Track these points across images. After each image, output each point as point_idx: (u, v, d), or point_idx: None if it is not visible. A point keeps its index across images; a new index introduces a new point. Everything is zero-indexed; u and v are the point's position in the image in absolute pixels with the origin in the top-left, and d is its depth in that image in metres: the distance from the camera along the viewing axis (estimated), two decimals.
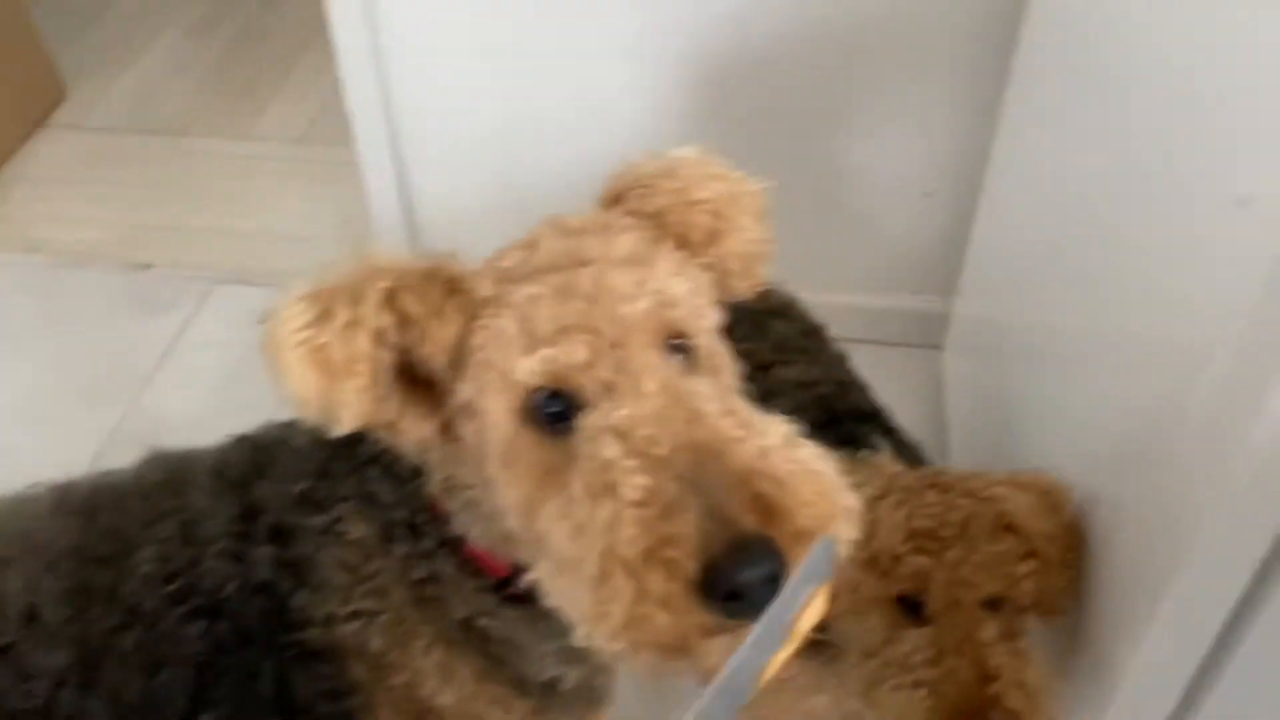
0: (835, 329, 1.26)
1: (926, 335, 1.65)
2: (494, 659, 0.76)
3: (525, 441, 0.61)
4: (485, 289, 0.63)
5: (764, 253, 0.75)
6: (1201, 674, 0.75)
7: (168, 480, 0.79)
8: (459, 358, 0.63)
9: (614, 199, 0.73)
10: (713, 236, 0.71)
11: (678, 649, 0.54)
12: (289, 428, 0.79)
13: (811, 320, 1.22)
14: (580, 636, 0.57)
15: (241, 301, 1.81)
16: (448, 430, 0.66)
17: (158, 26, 2.53)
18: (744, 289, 0.74)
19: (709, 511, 0.53)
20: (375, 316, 0.59)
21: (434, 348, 0.61)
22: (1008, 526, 0.79)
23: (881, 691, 0.78)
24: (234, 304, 1.82)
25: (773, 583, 0.52)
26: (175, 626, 0.72)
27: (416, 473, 0.71)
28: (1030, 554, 0.79)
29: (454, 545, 0.72)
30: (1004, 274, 1.30)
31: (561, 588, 0.59)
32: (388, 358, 0.60)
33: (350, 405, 0.59)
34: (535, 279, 0.62)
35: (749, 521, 0.53)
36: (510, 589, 0.73)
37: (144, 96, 2.33)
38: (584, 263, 0.63)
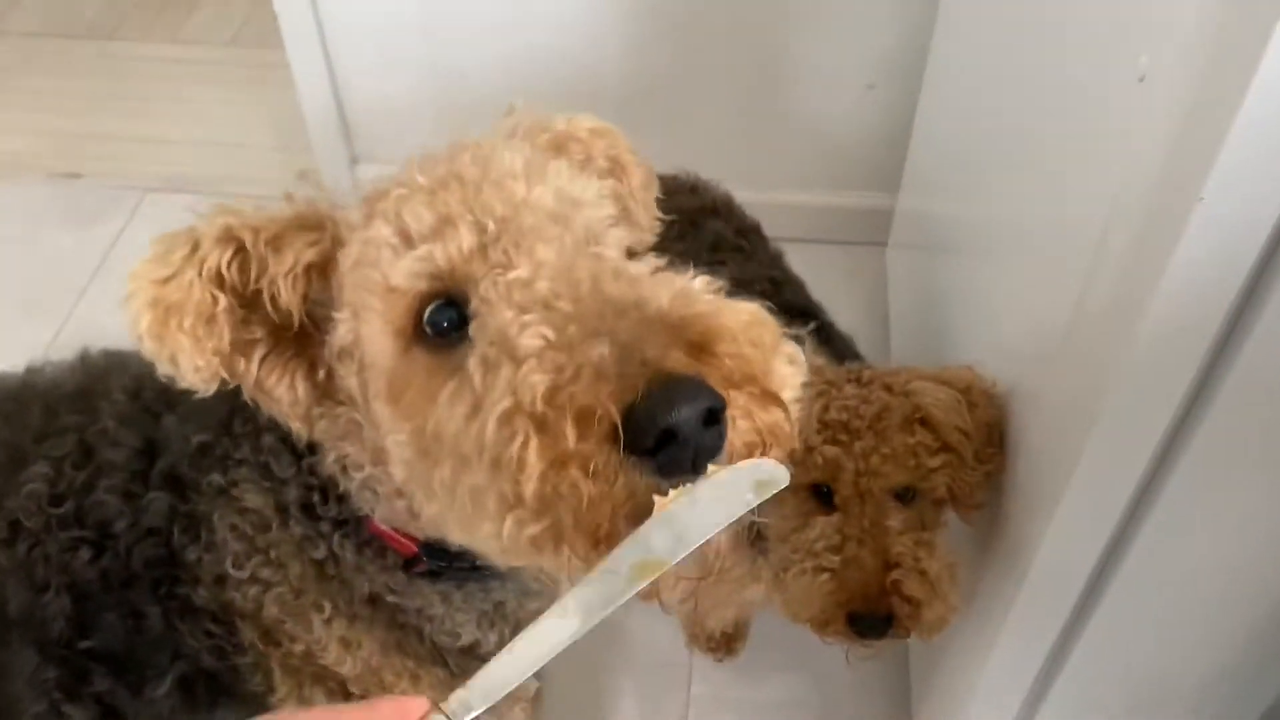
0: (780, 228, 1.25)
1: (871, 233, 1.65)
2: (405, 628, 0.74)
3: (414, 366, 0.54)
4: (354, 216, 0.58)
5: (654, 191, 0.73)
6: (1105, 560, 0.78)
7: (82, 391, 0.75)
8: (326, 293, 0.59)
9: (509, 135, 0.68)
10: (614, 164, 0.69)
11: (605, 534, 0.45)
12: None
13: (747, 218, 1.21)
14: (494, 551, 0.51)
15: (175, 210, 1.71)
16: (327, 393, 0.61)
17: None
18: (646, 225, 0.72)
19: (625, 352, 0.45)
20: (211, 252, 0.55)
21: (279, 279, 0.56)
22: (922, 420, 0.80)
23: (789, 576, 0.80)
24: (167, 213, 1.75)
25: (712, 421, 0.44)
26: (59, 551, 0.70)
27: (312, 448, 0.67)
28: (943, 448, 0.80)
29: (355, 525, 0.69)
30: (942, 168, 1.29)
31: (459, 502, 0.51)
32: (226, 301, 0.55)
33: (187, 353, 0.55)
34: (410, 181, 0.57)
35: (675, 359, 0.45)
36: (419, 567, 0.70)
37: None
38: (469, 162, 0.58)
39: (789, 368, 0.51)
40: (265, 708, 0.75)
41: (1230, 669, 0.90)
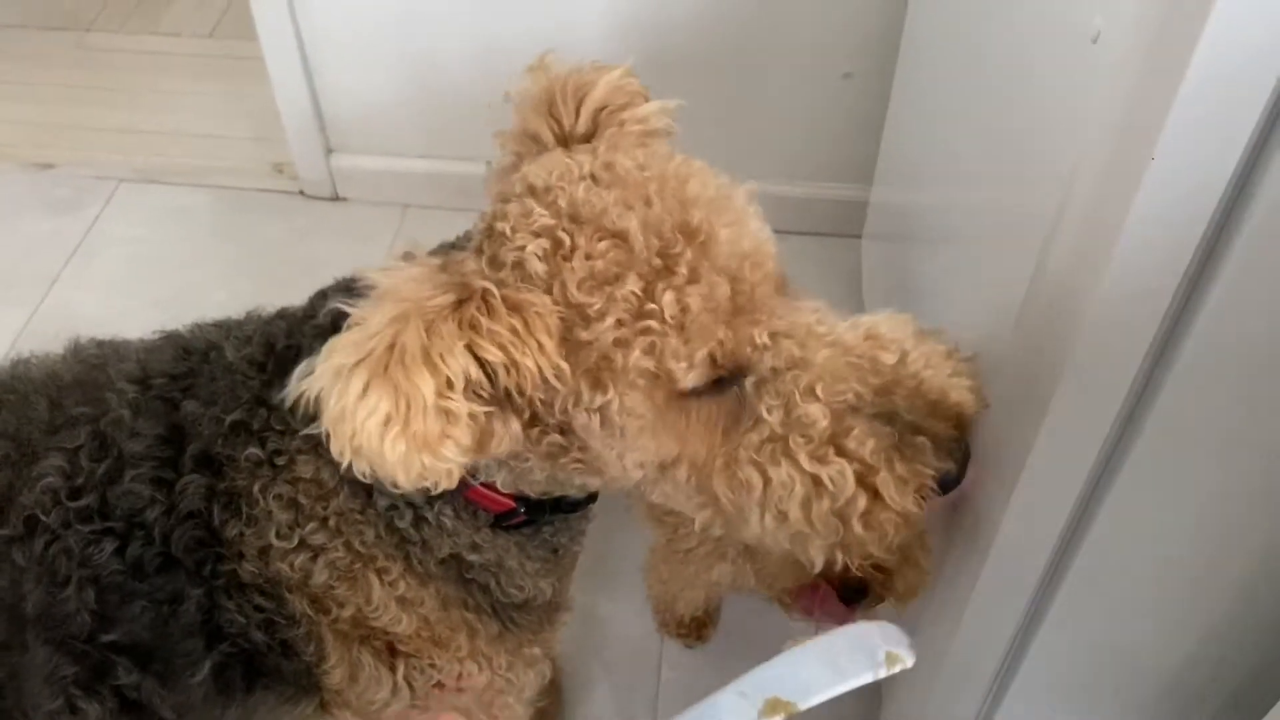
0: None
1: (847, 225, 1.65)
2: (470, 585, 0.75)
3: (675, 410, 0.60)
4: (574, 293, 0.57)
5: None
6: (1069, 533, 0.78)
7: (83, 381, 0.74)
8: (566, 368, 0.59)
9: (594, 114, 0.69)
10: None
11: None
12: (220, 332, 0.76)
13: None
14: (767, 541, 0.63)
15: (149, 199, 1.76)
16: (527, 423, 0.62)
17: None
18: None
19: (934, 441, 0.61)
20: (462, 374, 0.54)
21: (528, 378, 0.57)
22: None
23: (760, 550, 0.80)
24: (141, 201, 1.76)
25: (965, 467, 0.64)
26: (80, 545, 0.69)
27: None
28: None
29: (450, 493, 0.68)
30: (911, 157, 1.29)
31: (775, 532, 0.62)
32: (485, 400, 0.56)
33: (456, 463, 0.55)
34: (665, 271, 0.57)
35: (947, 430, 0.62)
36: (513, 520, 0.73)
37: None
38: (691, 232, 0.58)
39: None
40: (313, 679, 0.75)
41: (1199, 650, 0.90)
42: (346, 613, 0.72)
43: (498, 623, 0.77)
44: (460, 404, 0.53)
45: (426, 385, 0.52)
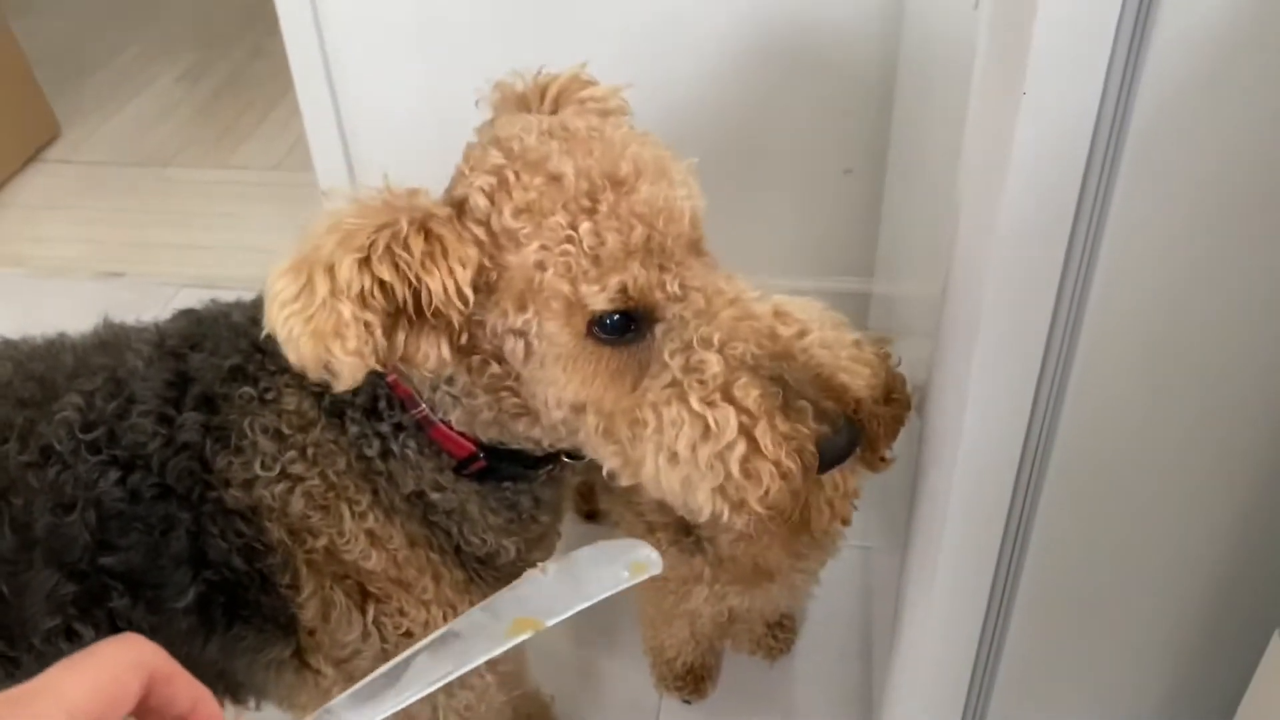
0: None
1: (853, 317, 1.69)
2: (434, 528, 0.80)
3: (589, 351, 0.67)
4: (508, 219, 0.65)
5: None
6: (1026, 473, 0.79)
7: (106, 342, 0.84)
8: (492, 287, 0.66)
9: (555, 98, 0.78)
10: None
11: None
12: (232, 305, 0.85)
13: None
14: (689, 511, 0.67)
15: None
16: (465, 351, 0.69)
17: (153, 74, 2.71)
18: None
19: (816, 411, 0.65)
20: (353, 283, 0.60)
21: (438, 293, 0.63)
22: None
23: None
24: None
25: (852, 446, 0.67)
26: (88, 472, 0.76)
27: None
28: None
29: (418, 427, 0.76)
30: (899, 248, 1.35)
31: (667, 473, 0.67)
32: (377, 311, 0.61)
33: (348, 364, 0.61)
34: (589, 210, 0.65)
35: (830, 404, 0.66)
36: (474, 466, 0.78)
37: (132, 134, 2.47)
38: (618, 181, 0.66)
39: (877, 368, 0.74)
40: (290, 619, 0.79)
41: (1165, 595, 0.87)
42: (320, 543, 0.76)
43: (463, 571, 0.81)
44: (347, 307, 0.60)
45: (323, 285, 0.60)
